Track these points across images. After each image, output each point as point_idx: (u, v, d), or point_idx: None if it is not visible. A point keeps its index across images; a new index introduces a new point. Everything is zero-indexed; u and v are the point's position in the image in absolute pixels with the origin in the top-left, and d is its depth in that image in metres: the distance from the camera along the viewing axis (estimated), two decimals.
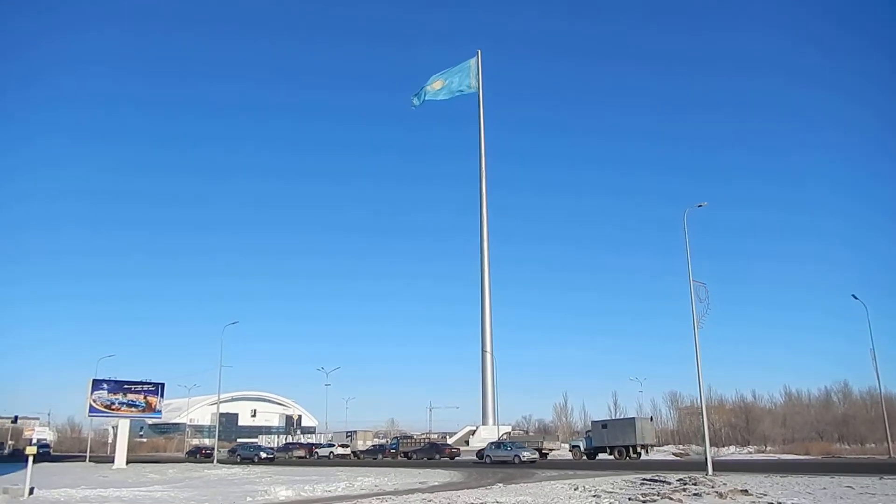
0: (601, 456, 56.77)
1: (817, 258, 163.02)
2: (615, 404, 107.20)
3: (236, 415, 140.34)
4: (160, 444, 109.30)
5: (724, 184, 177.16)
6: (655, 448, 60.87)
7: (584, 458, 57.97)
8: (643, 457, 54.41)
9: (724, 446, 77.12)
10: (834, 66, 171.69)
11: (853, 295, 55.34)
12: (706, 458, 30.28)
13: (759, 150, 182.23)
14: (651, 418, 66.38)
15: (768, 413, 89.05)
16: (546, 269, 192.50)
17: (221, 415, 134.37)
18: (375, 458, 68.14)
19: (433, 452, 65.05)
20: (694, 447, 73.91)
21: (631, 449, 54.47)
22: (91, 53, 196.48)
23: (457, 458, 62.49)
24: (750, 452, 65.23)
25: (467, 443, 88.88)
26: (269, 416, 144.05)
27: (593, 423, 62.88)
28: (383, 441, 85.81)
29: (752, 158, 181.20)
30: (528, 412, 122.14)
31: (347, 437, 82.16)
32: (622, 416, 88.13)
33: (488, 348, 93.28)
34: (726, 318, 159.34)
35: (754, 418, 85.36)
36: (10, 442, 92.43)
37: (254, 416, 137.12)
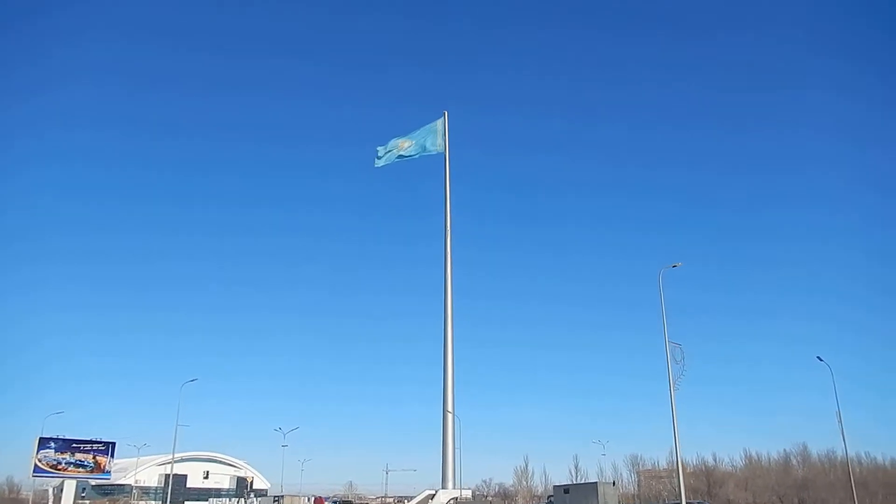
0: None
1: (778, 315, 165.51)
2: (576, 468, 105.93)
3: (185, 476, 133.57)
4: None
5: (690, 239, 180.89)
6: None
7: None
8: None
9: None
10: (799, 109, 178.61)
11: (818, 357, 55.66)
12: None
13: (725, 204, 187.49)
14: (614, 483, 65.51)
15: (730, 476, 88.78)
16: (509, 326, 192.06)
17: (168, 475, 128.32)
18: None
19: None
20: None
21: None
22: (70, 109, 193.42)
23: None
24: None
25: None
26: (220, 477, 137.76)
27: (555, 487, 63.17)
28: None
29: (716, 213, 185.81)
30: (488, 475, 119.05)
31: (275, 501, 78.73)
32: (584, 481, 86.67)
33: (450, 408, 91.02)
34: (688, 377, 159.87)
35: (716, 482, 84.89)
36: None
37: (206, 477, 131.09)
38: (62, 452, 49.08)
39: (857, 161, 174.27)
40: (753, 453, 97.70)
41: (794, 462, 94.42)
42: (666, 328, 30.94)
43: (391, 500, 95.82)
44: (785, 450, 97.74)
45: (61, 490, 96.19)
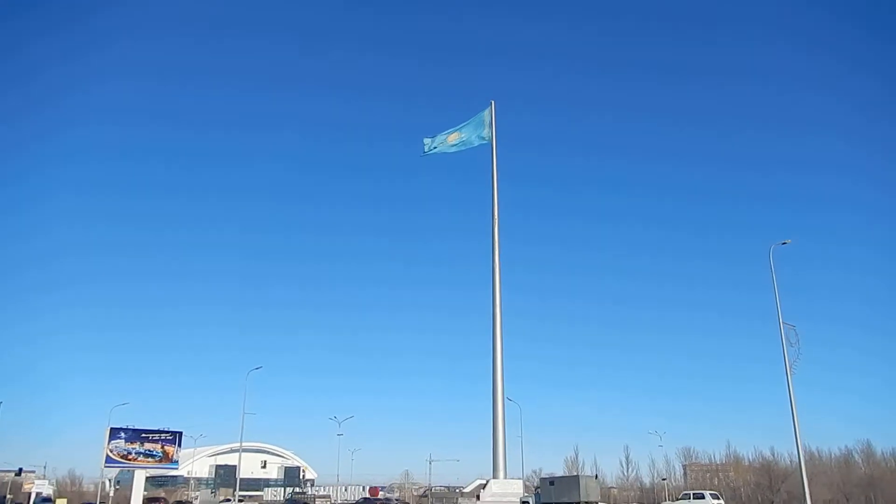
0: None
1: (832, 318, 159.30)
2: (627, 459, 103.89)
3: (235, 466, 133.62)
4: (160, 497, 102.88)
5: (727, 238, 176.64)
6: None
7: None
8: None
9: None
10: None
11: None
12: None
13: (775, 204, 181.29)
14: (596, 476, 69.19)
15: (790, 473, 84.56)
16: (560, 323, 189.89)
17: (220, 466, 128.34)
18: None
19: None
20: None
21: None
22: (106, 107, 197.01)
23: None
24: None
25: (478, 497, 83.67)
26: (269, 467, 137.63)
27: (542, 479, 65.77)
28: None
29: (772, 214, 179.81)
30: (538, 466, 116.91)
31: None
32: (635, 475, 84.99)
33: (500, 396, 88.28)
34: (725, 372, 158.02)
35: (777, 477, 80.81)
36: (9, 496, 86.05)
37: (264, 467, 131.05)
38: (132, 442, 48.01)
39: None
40: (814, 449, 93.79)
41: (858, 460, 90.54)
42: (780, 309, 28.14)
43: (440, 488, 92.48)
44: (847, 446, 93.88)
45: (118, 482, 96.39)
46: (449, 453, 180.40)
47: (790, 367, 28.16)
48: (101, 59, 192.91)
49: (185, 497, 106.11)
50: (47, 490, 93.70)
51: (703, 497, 53.26)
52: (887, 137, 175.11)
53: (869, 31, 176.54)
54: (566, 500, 55.89)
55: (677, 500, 56.27)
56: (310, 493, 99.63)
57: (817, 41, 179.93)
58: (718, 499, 53.72)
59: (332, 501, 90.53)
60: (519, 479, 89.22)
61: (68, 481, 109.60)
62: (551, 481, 60.76)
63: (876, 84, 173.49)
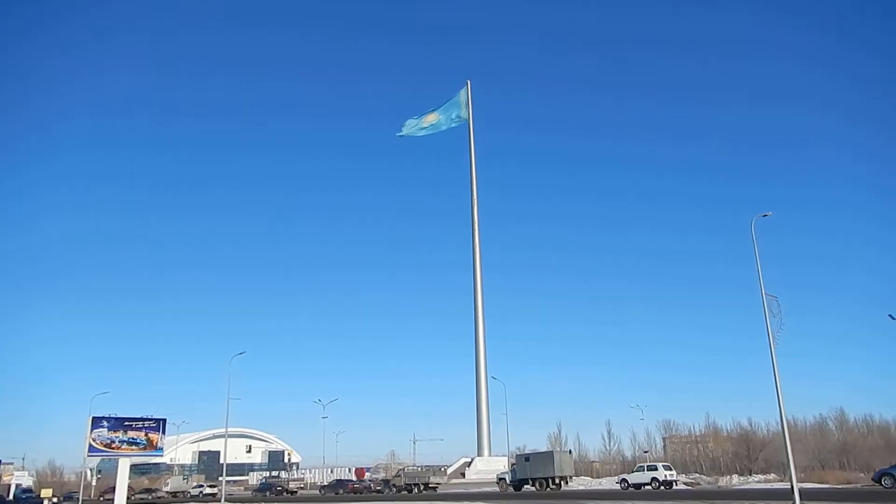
0: (526, 487, 60.05)
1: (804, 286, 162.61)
2: (609, 433, 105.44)
3: (218, 452, 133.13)
4: (141, 485, 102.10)
5: (708, 212, 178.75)
6: None
7: (511, 489, 60.99)
8: (563, 487, 57.19)
9: (722, 475, 73.95)
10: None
11: (890, 315, 50.96)
12: (792, 488, 27.20)
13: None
14: (570, 451, 72.36)
15: (770, 442, 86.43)
16: (540, 299, 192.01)
17: (203, 453, 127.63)
18: (338, 493, 71.46)
19: (338, 488, 71.72)
20: (704, 477, 71.86)
21: (550, 480, 57.33)
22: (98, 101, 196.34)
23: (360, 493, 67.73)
24: (769, 481, 61.90)
25: (463, 475, 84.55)
26: (254, 452, 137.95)
27: (517, 456, 67.07)
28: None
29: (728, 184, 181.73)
30: (521, 443, 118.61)
31: None
32: (617, 448, 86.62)
33: (483, 378, 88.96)
34: (704, 345, 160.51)
35: (755, 447, 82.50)
36: None
37: (249, 452, 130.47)
38: (115, 431, 46.88)
39: None
40: (790, 417, 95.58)
41: (832, 426, 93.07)
42: (762, 281, 28.44)
43: (418, 467, 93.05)
44: (821, 414, 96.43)
45: (100, 471, 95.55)
46: (434, 433, 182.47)
47: (773, 339, 28.47)
48: (97, 51, 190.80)
49: (160, 484, 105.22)
50: (27, 481, 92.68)
51: (656, 469, 55.61)
52: (877, 112, 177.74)
53: (860, 4, 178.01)
54: (541, 475, 58.07)
55: (633, 472, 58.23)
56: (284, 476, 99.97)
57: (805, 15, 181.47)
58: (671, 469, 56.09)
59: (306, 482, 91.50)
60: (504, 455, 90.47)
61: (49, 472, 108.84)
62: (526, 457, 62.33)
63: (868, 59, 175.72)
